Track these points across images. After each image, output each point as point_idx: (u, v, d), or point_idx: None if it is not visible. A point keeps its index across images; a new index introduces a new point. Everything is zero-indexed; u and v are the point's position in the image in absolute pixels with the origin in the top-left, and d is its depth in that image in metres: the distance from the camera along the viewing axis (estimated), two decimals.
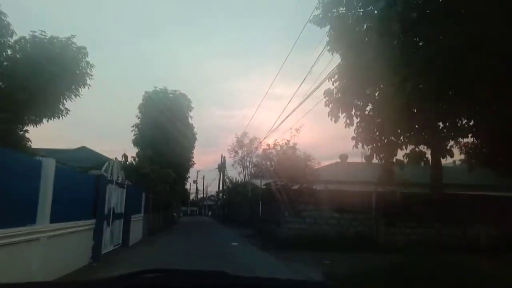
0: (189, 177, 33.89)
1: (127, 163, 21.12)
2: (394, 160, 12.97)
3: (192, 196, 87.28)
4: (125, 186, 13.05)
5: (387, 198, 13.57)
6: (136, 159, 22.31)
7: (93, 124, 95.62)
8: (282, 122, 50.52)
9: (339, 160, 26.19)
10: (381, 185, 13.32)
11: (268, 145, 22.05)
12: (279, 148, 19.30)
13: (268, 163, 25.51)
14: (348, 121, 12.45)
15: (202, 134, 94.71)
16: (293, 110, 35.59)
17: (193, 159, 32.46)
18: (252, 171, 39.49)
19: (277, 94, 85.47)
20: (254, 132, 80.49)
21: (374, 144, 12.72)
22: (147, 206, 18.66)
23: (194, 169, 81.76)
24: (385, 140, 12.68)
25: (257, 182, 26.75)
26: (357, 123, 12.85)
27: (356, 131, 12.77)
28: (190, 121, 29.03)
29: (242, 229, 23.86)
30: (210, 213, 73.37)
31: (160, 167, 21.33)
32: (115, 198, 11.63)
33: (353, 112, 12.41)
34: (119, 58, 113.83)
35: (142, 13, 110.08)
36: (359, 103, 12.57)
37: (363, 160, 15.97)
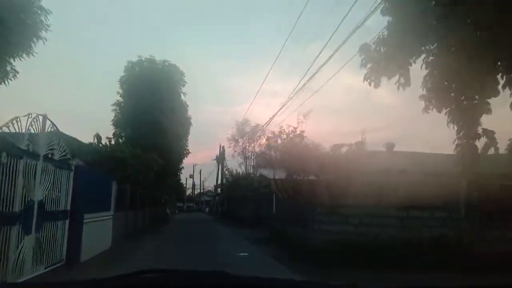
0: (183, 167, 28.95)
1: (100, 145, 16.27)
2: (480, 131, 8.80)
3: (188, 192, 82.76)
4: (73, 168, 8.20)
5: (485, 189, 8.79)
6: (112, 140, 17.46)
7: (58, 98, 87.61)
8: (288, 100, 45.15)
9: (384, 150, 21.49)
10: (464, 175, 8.69)
11: (273, 132, 19.87)
12: (285, 136, 17.97)
13: (273, 153, 23.30)
14: (403, 80, 8.90)
15: (198, 130, 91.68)
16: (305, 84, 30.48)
17: (187, 148, 27.66)
18: (254, 162, 34.70)
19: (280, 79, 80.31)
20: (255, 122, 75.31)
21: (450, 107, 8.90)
22: (121, 200, 13.85)
23: (190, 162, 77.70)
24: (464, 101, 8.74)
25: (265, 172, 22.06)
26: (426, 74, 9.01)
27: (425, 87, 9.18)
28: (182, 97, 24.11)
29: (248, 230, 19.09)
30: (207, 209, 69.02)
31: (142, 151, 16.48)
32: (45, 186, 6.80)
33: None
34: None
35: (142, 13, 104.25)
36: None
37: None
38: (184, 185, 72.99)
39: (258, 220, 20.34)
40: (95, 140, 16.17)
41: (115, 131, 19.44)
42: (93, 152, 14.53)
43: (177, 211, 57.52)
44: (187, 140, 27.06)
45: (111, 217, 11.78)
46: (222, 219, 32.41)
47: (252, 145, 36.16)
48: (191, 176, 78.65)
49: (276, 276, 1.89)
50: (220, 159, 37.11)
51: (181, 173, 29.01)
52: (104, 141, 16.50)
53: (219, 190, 44.81)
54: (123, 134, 19.35)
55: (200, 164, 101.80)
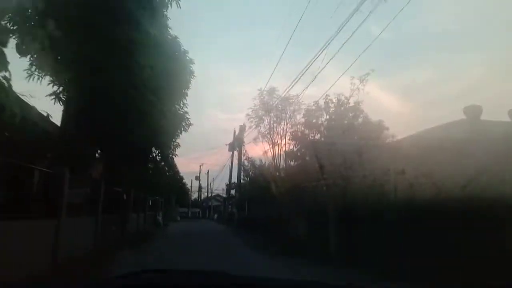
0: (177, 145, 17.14)
1: None
2: None
3: (194, 196, 71.63)
4: None
5: None
6: None
7: None
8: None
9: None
10: None
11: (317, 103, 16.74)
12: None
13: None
14: None
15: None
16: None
17: (188, 117, 16.11)
18: (288, 147, 23.55)
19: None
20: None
21: None
22: None
23: (196, 163, 66.81)
24: None
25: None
26: None
27: None
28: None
29: (318, 268, 7.96)
30: (215, 216, 58.02)
31: None
32: None
33: None
34: None
35: None
36: None
37: None
38: (189, 188, 61.97)
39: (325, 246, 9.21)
40: None
41: None
42: None
43: (179, 218, 46.87)
44: (185, 103, 15.72)
45: None
46: (241, 231, 21.28)
47: (283, 125, 25.13)
48: (197, 178, 67.89)
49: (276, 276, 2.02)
50: (236, 144, 25.90)
51: (175, 154, 17.49)
52: None
53: (233, 191, 33.70)
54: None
55: (208, 164, 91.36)
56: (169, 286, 1.63)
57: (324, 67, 13.21)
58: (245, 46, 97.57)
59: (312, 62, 14.62)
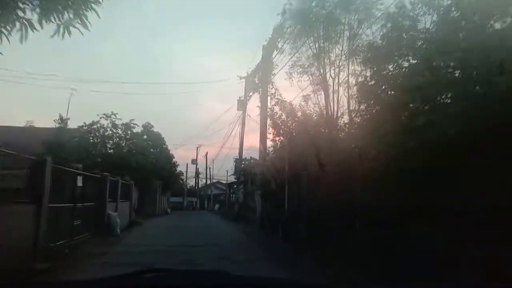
0: None
1: None
2: None
3: (191, 183, 60.30)
4: None
5: None
6: None
7: None
8: None
9: None
10: None
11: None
12: None
13: None
14: None
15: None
16: None
17: None
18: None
19: None
20: None
21: None
22: None
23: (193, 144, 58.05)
24: None
25: None
26: None
27: None
28: None
29: None
30: (217, 206, 47.31)
31: None
32: None
33: None
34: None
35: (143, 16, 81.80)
36: None
37: None
38: (182, 174, 50.07)
39: None
40: None
41: None
42: None
43: (169, 210, 36.15)
44: None
45: None
46: (272, 234, 10.06)
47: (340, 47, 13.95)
48: (194, 162, 56.66)
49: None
50: (264, 74, 14.00)
51: None
52: None
53: (242, 179, 22.52)
54: None
55: (207, 146, 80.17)
56: (169, 286, 1.63)
57: None
58: None
59: None
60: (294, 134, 11.59)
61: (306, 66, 13.95)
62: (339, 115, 12.58)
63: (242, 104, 20.03)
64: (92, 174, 10.21)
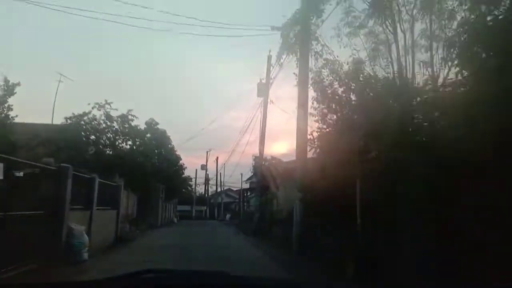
0: None
1: None
2: None
3: (200, 191, 56.12)
4: None
5: None
6: None
7: None
8: None
9: None
10: None
11: None
12: None
13: None
14: None
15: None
16: None
17: None
18: None
19: None
20: None
21: None
22: None
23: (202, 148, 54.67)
24: None
25: None
26: None
27: None
28: None
29: None
30: (228, 216, 43.06)
31: None
32: None
33: None
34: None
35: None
36: None
37: None
38: (191, 180, 45.88)
39: None
40: None
41: None
42: None
43: (176, 220, 32.22)
44: None
45: None
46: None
47: None
48: (203, 167, 52.75)
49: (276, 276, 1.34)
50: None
51: None
52: None
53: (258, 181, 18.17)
54: None
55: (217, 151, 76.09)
56: (169, 286, 1.61)
57: None
58: None
59: None
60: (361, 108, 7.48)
61: (362, 18, 9.95)
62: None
63: (262, 90, 16.09)
64: (31, 162, 6.22)
